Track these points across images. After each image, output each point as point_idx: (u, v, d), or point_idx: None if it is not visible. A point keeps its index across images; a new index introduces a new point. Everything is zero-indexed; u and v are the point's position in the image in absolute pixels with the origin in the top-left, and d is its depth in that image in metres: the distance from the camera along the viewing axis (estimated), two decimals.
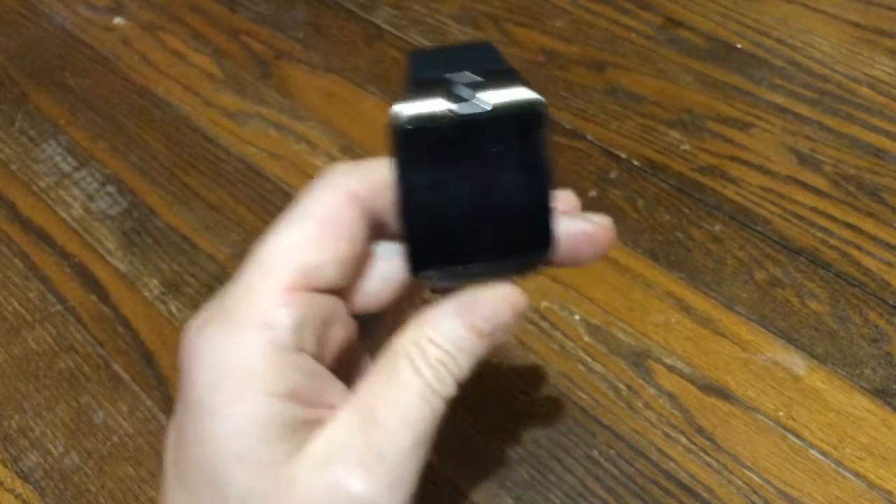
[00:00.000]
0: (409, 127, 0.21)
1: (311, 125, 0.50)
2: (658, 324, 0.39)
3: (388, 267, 0.25)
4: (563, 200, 0.25)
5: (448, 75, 0.21)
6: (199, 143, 0.50)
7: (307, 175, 0.48)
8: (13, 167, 0.50)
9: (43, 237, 0.46)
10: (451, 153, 0.21)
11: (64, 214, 0.47)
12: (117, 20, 0.59)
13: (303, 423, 0.21)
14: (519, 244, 0.22)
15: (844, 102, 0.47)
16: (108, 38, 0.58)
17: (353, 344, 0.25)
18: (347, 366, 0.25)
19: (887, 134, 0.45)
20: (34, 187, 0.49)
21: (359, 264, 0.24)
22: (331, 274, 0.22)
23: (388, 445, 0.21)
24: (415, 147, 0.21)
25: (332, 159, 0.48)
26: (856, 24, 0.51)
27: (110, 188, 0.48)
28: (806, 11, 0.52)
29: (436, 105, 0.21)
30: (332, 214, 0.22)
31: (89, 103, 0.53)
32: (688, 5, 0.54)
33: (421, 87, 0.21)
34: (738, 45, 0.51)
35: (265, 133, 0.50)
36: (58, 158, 0.50)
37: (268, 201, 0.46)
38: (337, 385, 0.23)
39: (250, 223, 0.45)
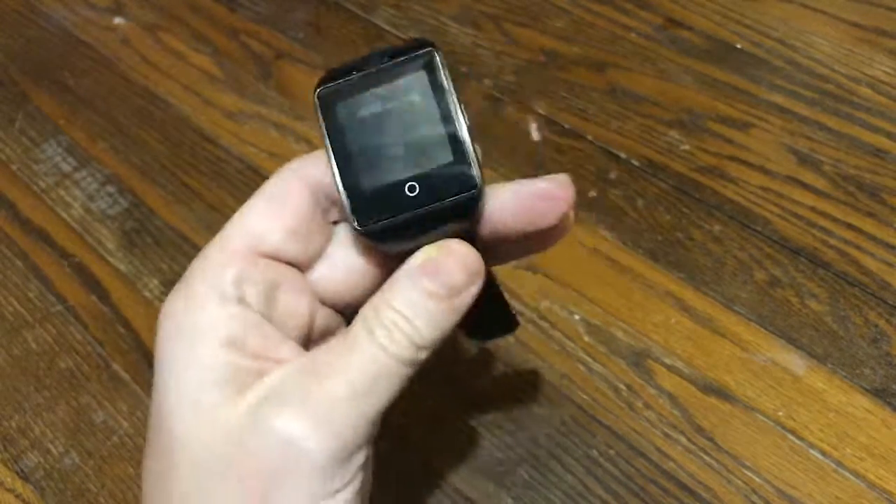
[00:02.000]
0: (322, 90, 0.24)
1: (311, 125, 0.50)
2: (658, 324, 0.39)
3: (351, 252, 0.26)
4: (555, 182, 0.25)
5: (363, 58, 0.24)
6: (199, 143, 0.50)
7: None
8: (13, 167, 0.50)
9: (43, 237, 0.46)
10: (364, 107, 0.23)
11: (64, 214, 0.47)
12: (117, 20, 0.59)
13: (246, 372, 0.22)
14: (447, 186, 0.23)
15: (844, 102, 0.47)
16: (109, 38, 0.58)
17: (331, 331, 0.26)
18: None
19: (887, 134, 0.45)
20: (34, 187, 0.49)
21: (309, 238, 0.25)
22: (276, 239, 0.24)
23: (318, 390, 0.22)
24: (330, 107, 0.24)
25: None
26: (856, 25, 0.51)
27: (110, 188, 0.48)
28: (806, 11, 0.52)
29: (346, 75, 0.24)
30: (276, 190, 0.25)
31: (89, 103, 0.53)
32: (688, 5, 0.53)
33: (338, 71, 0.24)
34: (738, 46, 0.50)
35: (265, 133, 0.50)
36: (58, 159, 0.50)
37: None
38: (288, 343, 0.24)
39: None
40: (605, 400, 0.37)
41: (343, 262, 0.26)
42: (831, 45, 0.50)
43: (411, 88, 0.23)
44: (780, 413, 0.36)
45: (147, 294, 0.43)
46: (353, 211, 0.23)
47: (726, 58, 0.50)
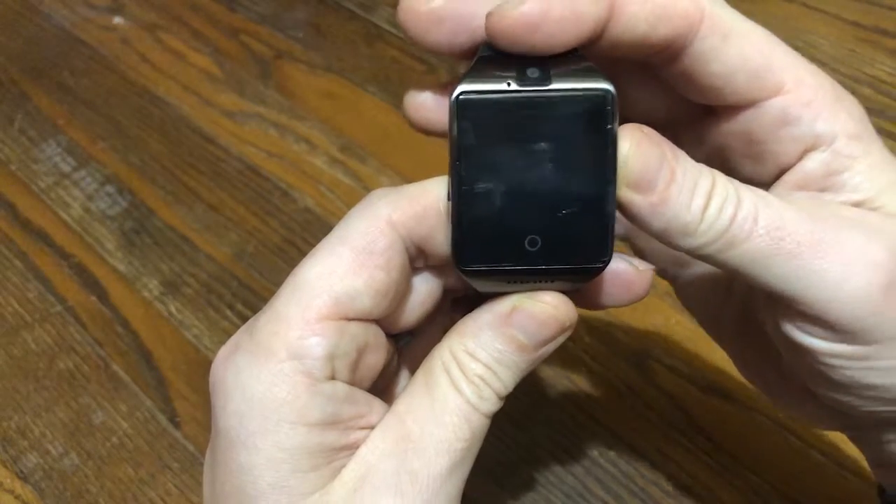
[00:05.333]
0: (466, 98, 0.20)
1: (311, 125, 0.50)
2: (658, 324, 0.39)
3: (426, 289, 0.23)
4: (638, 269, 0.23)
5: (516, 55, 0.20)
6: (198, 143, 0.50)
7: (307, 175, 0.48)
8: (13, 167, 0.50)
9: (42, 237, 0.46)
10: (509, 134, 0.20)
11: (63, 215, 0.47)
12: (117, 20, 0.59)
13: (339, 450, 0.21)
14: (574, 251, 0.20)
15: None
16: (108, 37, 0.58)
17: (391, 362, 0.25)
18: (386, 382, 0.25)
19: (889, 134, 0.45)
20: (34, 187, 0.49)
21: (397, 293, 0.22)
22: (365, 302, 0.21)
23: (422, 468, 0.21)
24: (470, 122, 0.20)
25: (332, 159, 0.48)
26: (857, 24, 0.51)
27: (109, 188, 0.48)
28: (807, 11, 0.52)
29: (496, 81, 0.20)
30: (368, 242, 0.21)
31: (89, 103, 0.53)
32: None
33: (484, 65, 0.20)
34: None
35: (265, 133, 0.50)
36: (57, 158, 0.50)
37: (267, 201, 0.46)
38: (375, 404, 0.22)
39: (250, 223, 0.45)
40: (606, 400, 0.37)
41: (416, 302, 0.23)
42: (832, 45, 0.50)
43: (572, 128, 0.20)
44: (781, 413, 0.36)
45: (146, 294, 0.43)
46: (458, 246, 0.21)
47: None
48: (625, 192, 0.20)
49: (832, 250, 0.20)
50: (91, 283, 0.43)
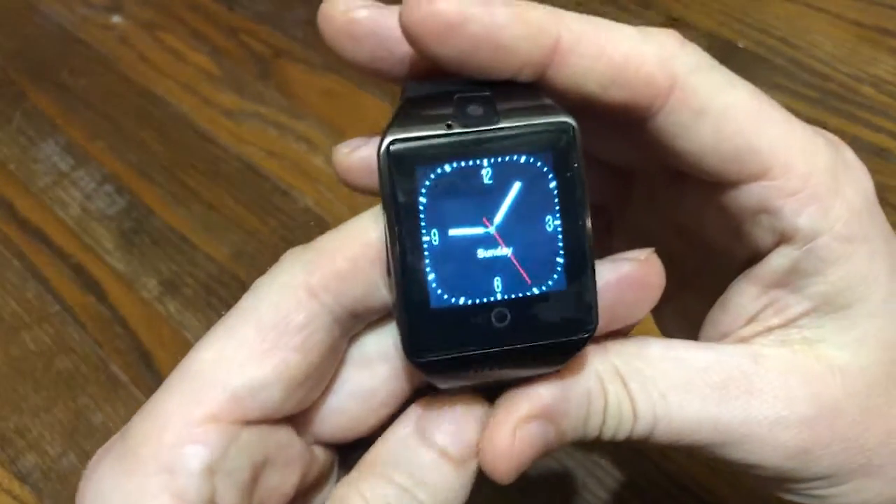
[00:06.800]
0: (398, 148, 0.16)
1: (310, 124, 0.50)
2: None
3: (366, 377, 0.18)
4: (644, 263, 0.18)
5: (451, 89, 0.17)
6: (197, 143, 0.50)
7: (306, 174, 0.48)
8: (11, 167, 0.50)
9: (41, 237, 0.46)
10: (455, 186, 0.16)
11: (62, 214, 0.47)
12: (115, 19, 0.59)
13: None
14: (551, 323, 0.16)
15: (847, 102, 0.47)
16: (107, 36, 0.57)
17: (324, 481, 0.20)
18: None
19: (890, 133, 0.45)
20: (32, 187, 0.48)
21: (320, 379, 0.18)
22: (274, 396, 0.17)
23: None
24: (406, 177, 0.16)
25: (332, 158, 0.48)
26: (858, 24, 0.51)
27: (108, 188, 0.48)
28: (808, 10, 0.52)
29: (433, 123, 0.16)
30: (280, 318, 0.17)
31: (87, 102, 0.53)
32: (690, 4, 0.53)
33: (415, 105, 0.17)
34: (740, 45, 0.50)
35: (264, 132, 0.50)
36: (55, 158, 0.50)
37: (267, 201, 0.46)
38: None
39: (249, 223, 0.45)
40: None
41: (353, 393, 0.19)
42: (833, 44, 0.49)
43: (530, 172, 0.16)
44: None
45: (145, 294, 0.42)
46: (409, 333, 0.16)
47: (728, 57, 0.50)
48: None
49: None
50: (90, 283, 0.43)
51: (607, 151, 0.22)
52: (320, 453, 0.19)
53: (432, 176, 0.16)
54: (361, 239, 0.17)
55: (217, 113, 0.51)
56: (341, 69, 0.53)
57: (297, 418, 0.18)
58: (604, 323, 0.17)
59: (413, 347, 0.16)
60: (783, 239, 0.18)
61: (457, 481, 0.17)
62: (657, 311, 0.21)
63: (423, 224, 0.16)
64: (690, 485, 0.34)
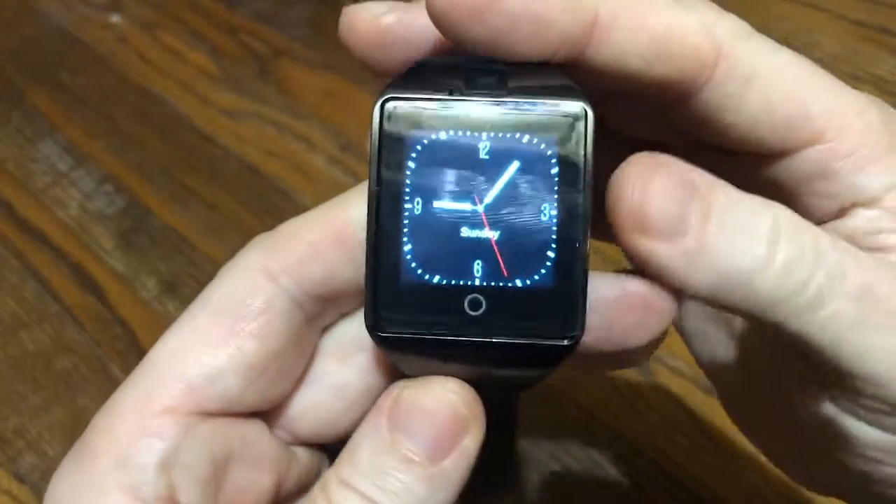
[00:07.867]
0: (394, 106, 0.15)
1: (310, 123, 0.50)
2: None
3: (342, 369, 0.17)
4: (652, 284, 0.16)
5: (466, 64, 0.16)
6: (196, 142, 0.50)
7: (306, 174, 0.47)
8: (9, 166, 0.50)
9: (40, 237, 0.46)
10: (448, 154, 0.15)
11: (61, 214, 0.47)
12: (114, 18, 0.59)
13: None
14: (531, 321, 0.15)
15: None
16: (105, 36, 0.57)
17: (307, 485, 0.19)
18: None
19: None
20: (30, 187, 0.48)
21: (286, 369, 0.17)
22: (231, 384, 0.16)
23: None
24: (397, 137, 0.15)
25: (331, 158, 0.48)
26: (859, 23, 0.50)
27: (107, 187, 0.48)
28: (809, 10, 0.52)
29: (435, 88, 0.15)
30: (236, 303, 0.16)
31: (86, 102, 0.53)
32: None
33: (423, 71, 0.16)
34: None
35: (263, 132, 0.50)
36: (54, 157, 0.50)
37: (266, 200, 0.46)
38: None
39: (248, 223, 0.45)
40: (607, 400, 0.36)
41: (334, 386, 0.18)
42: (835, 44, 0.49)
43: (531, 154, 0.15)
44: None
45: (144, 294, 0.42)
46: (373, 304, 0.15)
47: None
48: (641, 242, 0.15)
49: None
50: (89, 283, 0.43)
51: (642, 131, 0.20)
52: (304, 455, 0.18)
53: (424, 141, 0.15)
54: (325, 221, 0.17)
55: (216, 112, 0.51)
56: (341, 69, 0.53)
57: (270, 414, 0.17)
58: (596, 340, 0.16)
59: (375, 319, 0.15)
60: (845, 204, 0.17)
61: (424, 487, 0.15)
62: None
63: (407, 190, 0.15)
64: (690, 484, 0.34)
